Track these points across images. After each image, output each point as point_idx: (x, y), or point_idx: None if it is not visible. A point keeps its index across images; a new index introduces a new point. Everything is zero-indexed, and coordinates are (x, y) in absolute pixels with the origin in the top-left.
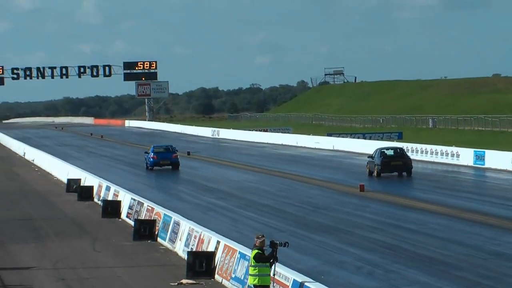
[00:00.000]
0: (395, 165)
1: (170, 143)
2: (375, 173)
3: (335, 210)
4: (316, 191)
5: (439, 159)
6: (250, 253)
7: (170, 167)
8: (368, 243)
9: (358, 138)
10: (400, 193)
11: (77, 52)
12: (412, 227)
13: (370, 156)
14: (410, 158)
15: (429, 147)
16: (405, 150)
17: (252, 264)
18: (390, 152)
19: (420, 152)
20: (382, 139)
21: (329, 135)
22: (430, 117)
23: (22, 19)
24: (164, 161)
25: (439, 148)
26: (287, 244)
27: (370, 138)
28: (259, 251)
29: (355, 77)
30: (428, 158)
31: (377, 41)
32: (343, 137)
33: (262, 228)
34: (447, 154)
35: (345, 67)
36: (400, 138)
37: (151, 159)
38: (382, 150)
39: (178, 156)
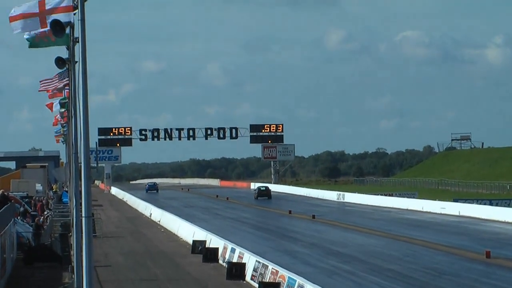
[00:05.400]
0: (264, 193)
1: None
2: (255, 197)
3: (461, 276)
4: (441, 257)
5: None
6: None
7: (155, 191)
8: None
9: (485, 204)
10: None
11: (203, 114)
12: None
13: (255, 190)
14: (270, 190)
15: None
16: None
17: None
18: (263, 188)
19: None
20: (509, 205)
21: (456, 200)
22: None
23: (149, 81)
24: (152, 189)
25: None
26: None
27: (496, 205)
28: None
29: (482, 143)
30: None
31: (505, 106)
32: (469, 203)
33: None
34: None
35: (472, 133)
36: None
37: (146, 188)
38: (259, 186)
39: (158, 187)
